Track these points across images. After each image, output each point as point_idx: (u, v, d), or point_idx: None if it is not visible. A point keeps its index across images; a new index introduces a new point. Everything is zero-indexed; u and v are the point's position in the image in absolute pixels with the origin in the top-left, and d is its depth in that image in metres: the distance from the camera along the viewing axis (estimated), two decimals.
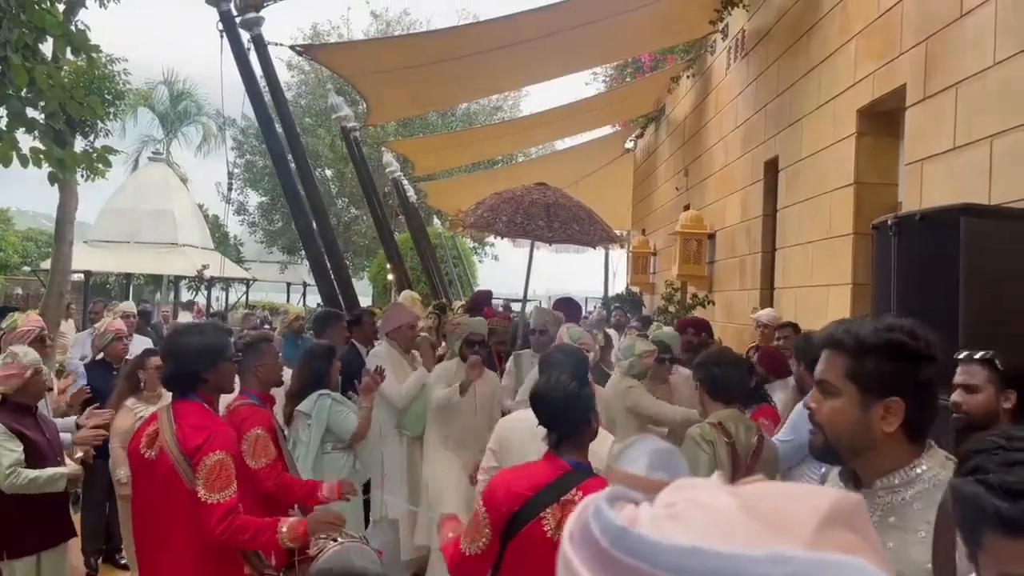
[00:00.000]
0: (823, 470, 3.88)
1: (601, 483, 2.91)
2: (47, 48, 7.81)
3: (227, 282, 29.38)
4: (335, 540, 3.90)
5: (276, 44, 9.42)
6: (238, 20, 8.72)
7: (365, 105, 13.99)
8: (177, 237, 26.14)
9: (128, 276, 27.25)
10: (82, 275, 23.35)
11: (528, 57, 11.33)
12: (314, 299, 28.39)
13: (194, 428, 3.54)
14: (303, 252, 12.94)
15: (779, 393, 5.94)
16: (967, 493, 1.35)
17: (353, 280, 10.22)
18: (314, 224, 9.38)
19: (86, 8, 11.27)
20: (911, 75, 6.32)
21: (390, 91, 12.73)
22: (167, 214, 26.15)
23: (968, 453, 1.42)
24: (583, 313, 12.96)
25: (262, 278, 34.15)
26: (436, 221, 28.74)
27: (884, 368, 1.91)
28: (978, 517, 1.33)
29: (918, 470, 1.94)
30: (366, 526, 5.90)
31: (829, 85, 7.93)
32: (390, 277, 20.20)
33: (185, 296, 29.71)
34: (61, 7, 9.03)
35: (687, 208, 13.70)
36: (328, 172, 34.43)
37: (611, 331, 10.35)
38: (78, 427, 5.64)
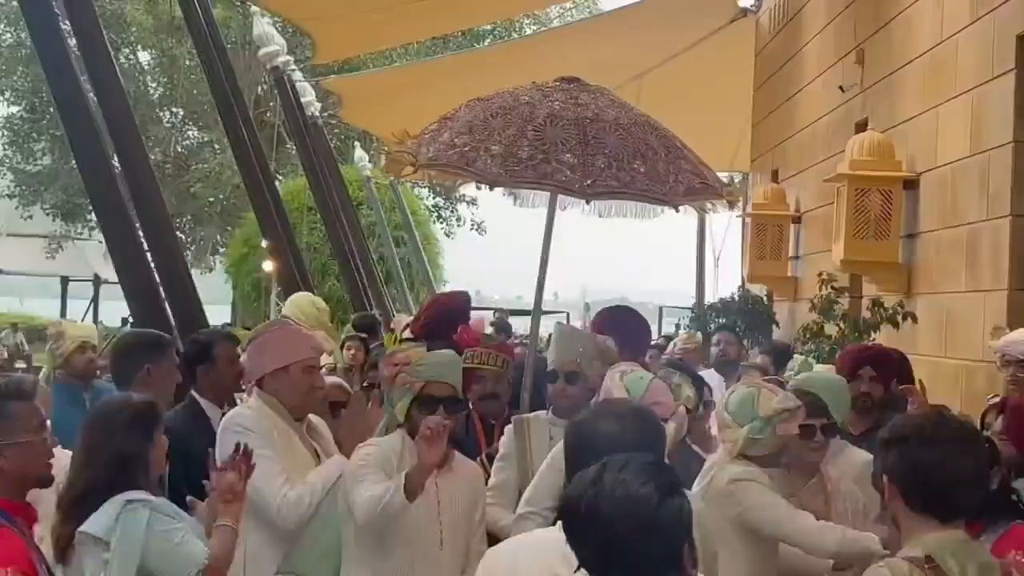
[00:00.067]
0: None
1: None
2: None
3: None
4: None
5: None
6: None
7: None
8: None
9: None
10: None
11: None
12: (115, 309, 19.08)
13: None
14: (93, 216, 9.52)
15: None
16: None
17: (195, 272, 7.61)
18: (115, 161, 7.43)
19: None
20: None
21: None
22: None
23: None
24: (653, 338, 9.26)
25: (10, 268, 24.57)
26: (360, 155, 19.46)
27: None
28: None
29: None
30: None
31: None
32: (267, 267, 14.36)
33: None
34: None
35: (863, 128, 9.80)
36: (144, 56, 24.16)
37: (709, 372, 8.08)
38: None
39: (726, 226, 17.39)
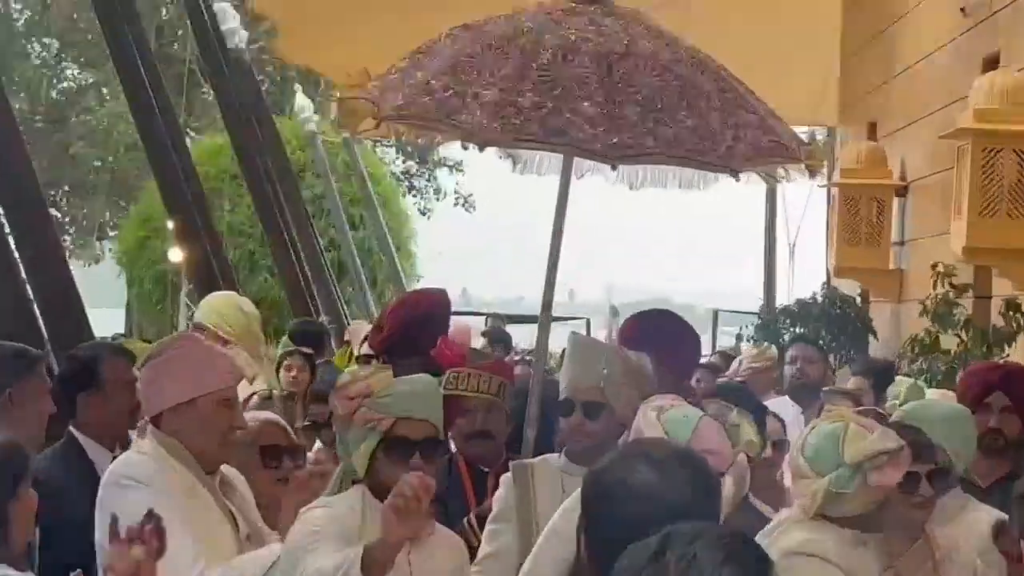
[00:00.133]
0: None
1: None
2: None
3: None
4: None
5: None
6: None
7: None
8: None
9: None
10: None
11: None
12: None
13: None
14: None
15: None
16: None
17: (76, 264, 7.21)
18: None
19: None
20: None
21: None
22: None
23: None
24: (703, 354, 8.06)
25: None
26: (303, 103, 16.21)
27: None
28: None
29: None
30: None
31: None
32: (174, 257, 12.29)
33: None
34: None
35: (993, 65, 8.35)
36: None
37: (782, 400, 6.69)
38: None
39: (805, 201, 14.08)
